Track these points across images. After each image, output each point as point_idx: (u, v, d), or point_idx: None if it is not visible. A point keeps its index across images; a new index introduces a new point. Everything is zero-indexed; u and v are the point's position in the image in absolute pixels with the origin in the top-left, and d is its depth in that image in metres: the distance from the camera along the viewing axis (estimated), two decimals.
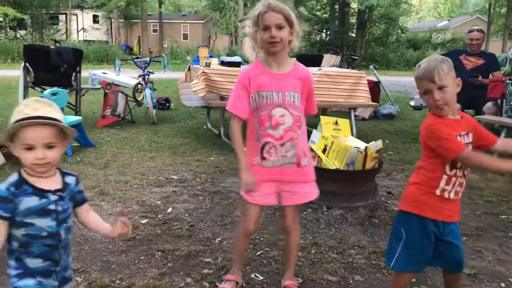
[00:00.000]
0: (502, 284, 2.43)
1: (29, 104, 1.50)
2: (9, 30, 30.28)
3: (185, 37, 34.70)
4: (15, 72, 12.23)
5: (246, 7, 24.00)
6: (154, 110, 7.05)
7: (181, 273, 2.46)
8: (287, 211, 2.20)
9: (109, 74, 8.47)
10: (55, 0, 32.32)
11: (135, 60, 7.93)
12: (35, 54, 6.42)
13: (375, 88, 7.94)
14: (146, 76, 7.46)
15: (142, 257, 2.62)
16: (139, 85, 7.80)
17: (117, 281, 2.36)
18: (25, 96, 6.41)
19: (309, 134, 3.74)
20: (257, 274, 2.46)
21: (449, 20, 43.74)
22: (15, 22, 28.32)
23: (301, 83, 2.06)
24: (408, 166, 4.68)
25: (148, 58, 7.98)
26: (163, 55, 9.02)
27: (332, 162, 3.48)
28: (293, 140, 2.06)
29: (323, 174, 3.52)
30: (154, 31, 33.35)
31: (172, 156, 4.91)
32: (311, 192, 2.18)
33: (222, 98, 5.48)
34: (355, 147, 3.46)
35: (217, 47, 27.88)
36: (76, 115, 6.19)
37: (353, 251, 2.78)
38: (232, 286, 2.28)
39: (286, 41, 1.98)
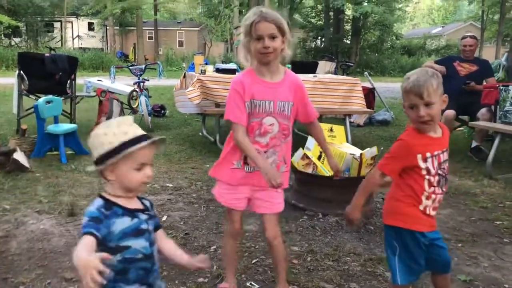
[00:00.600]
0: None
1: (125, 123, 1.50)
2: (3, 38, 30.24)
3: (181, 44, 34.76)
4: (10, 80, 12.20)
5: (241, 14, 24.08)
6: (149, 118, 7.04)
7: (176, 281, 2.45)
8: (266, 224, 2.19)
9: (104, 81, 8.47)
10: (50, 8, 32.31)
11: (130, 67, 7.92)
12: (29, 61, 6.41)
13: (370, 94, 7.98)
14: (141, 84, 7.46)
15: None
16: (134, 93, 7.79)
17: None
18: (20, 104, 6.39)
19: (305, 141, 3.75)
20: (252, 283, 2.45)
21: (443, 26, 44.04)
22: (10, 29, 28.28)
23: (292, 92, 2.06)
24: None
25: (143, 66, 7.98)
26: (158, 62, 9.02)
27: (327, 169, 3.48)
28: (276, 147, 2.07)
29: (318, 181, 3.53)
30: (150, 38, 33.37)
31: (167, 163, 4.90)
32: (281, 203, 2.19)
33: (218, 105, 5.48)
34: (350, 154, 3.47)
35: (212, 54, 27.91)
36: (71, 122, 6.17)
37: (349, 258, 2.78)
38: None
39: (279, 50, 1.98)
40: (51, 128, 5.03)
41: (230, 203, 2.19)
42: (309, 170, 3.55)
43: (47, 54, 6.59)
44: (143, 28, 30.16)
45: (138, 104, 7.34)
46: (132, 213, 1.50)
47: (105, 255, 1.28)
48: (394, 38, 34.20)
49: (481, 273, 2.63)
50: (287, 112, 2.05)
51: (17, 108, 6.42)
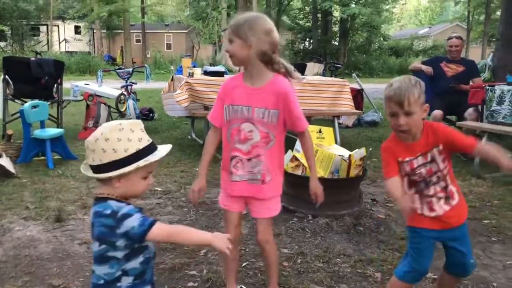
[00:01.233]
0: None
1: (138, 127, 1.46)
2: None
3: (169, 47, 34.63)
4: None
5: (229, 16, 24.06)
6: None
7: (166, 286, 2.43)
8: (257, 227, 2.18)
9: (91, 85, 8.40)
10: (35, 12, 31.97)
11: (117, 70, 7.87)
12: (15, 66, 6.34)
13: (358, 96, 8.01)
14: (129, 87, 7.41)
15: None
16: (122, 96, 7.74)
17: None
18: (5, 109, 6.31)
19: (294, 143, 3.75)
20: (242, 286, 2.43)
21: (430, 27, 44.48)
22: None
23: (275, 99, 1.97)
24: None
25: (131, 69, 7.93)
26: (145, 65, 8.99)
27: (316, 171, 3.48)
28: (260, 156, 2.03)
29: (308, 183, 3.52)
30: (137, 41, 33.19)
31: (156, 167, 4.86)
32: (274, 208, 2.14)
33: (206, 107, 5.46)
34: (339, 155, 3.47)
35: (200, 56, 27.84)
36: (57, 127, 6.10)
37: (339, 259, 2.78)
38: None
39: (242, 54, 1.93)
40: (37, 133, 4.97)
41: (225, 204, 2.18)
42: (299, 172, 3.55)
43: (32, 58, 6.53)
44: (131, 31, 29.98)
45: (126, 108, 7.29)
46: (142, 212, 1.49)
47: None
48: (382, 39, 34.44)
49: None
50: (268, 120, 1.99)
51: (2, 113, 6.33)
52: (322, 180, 3.41)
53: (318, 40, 31.05)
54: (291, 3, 35.02)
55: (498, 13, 19.82)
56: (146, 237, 1.38)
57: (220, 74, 5.76)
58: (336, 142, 4.32)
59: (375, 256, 2.80)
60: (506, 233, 3.21)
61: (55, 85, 6.56)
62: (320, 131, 3.84)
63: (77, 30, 35.36)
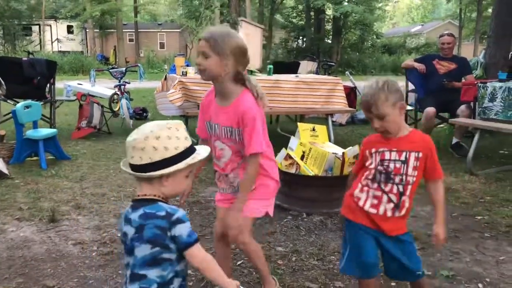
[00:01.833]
0: (480, 285, 2.46)
1: (182, 127, 1.48)
2: None
3: (162, 46, 34.52)
4: None
5: (222, 15, 24.05)
6: (131, 121, 6.97)
7: None
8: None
9: (84, 85, 8.37)
10: (27, 11, 31.73)
11: (110, 70, 7.85)
12: (6, 66, 6.29)
13: (351, 93, 8.02)
14: (122, 86, 7.39)
15: (121, 271, 2.57)
16: (115, 96, 7.72)
17: None
18: None
19: (287, 141, 3.76)
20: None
21: (422, 25, 44.63)
22: None
23: (236, 117, 1.93)
24: None
25: (124, 68, 7.91)
26: (139, 64, 8.96)
27: (310, 169, 3.50)
28: (235, 170, 2.04)
29: (302, 181, 3.54)
30: (130, 40, 33.06)
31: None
32: (249, 208, 2.02)
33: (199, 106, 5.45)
34: (333, 153, 3.48)
35: (194, 55, 27.78)
36: (50, 127, 6.07)
37: (333, 257, 2.78)
38: None
39: (216, 71, 1.88)
40: (30, 133, 4.94)
41: (217, 199, 2.19)
42: (292, 170, 3.56)
43: (24, 58, 6.50)
44: (124, 30, 29.85)
45: (119, 107, 7.27)
46: None
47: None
48: (375, 37, 34.52)
49: (463, 268, 2.66)
50: (235, 137, 1.97)
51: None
52: (316, 178, 3.45)
53: (311, 39, 31.11)
54: (284, 1, 35.00)
55: (490, 10, 19.96)
56: (187, 250, 1.40)
57: None
58: (329, 140, 4.33)
59: None
60: (499, 229, 3.24)
61: (48, 85, 6.52)
62: (313, 129, 3.85)
63: (69, 29, 35.15)
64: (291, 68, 7.95)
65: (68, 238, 3.05)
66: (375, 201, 1.90)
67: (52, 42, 33.55)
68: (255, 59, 26.21)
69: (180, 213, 1.41)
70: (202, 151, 1.52)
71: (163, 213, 1.39)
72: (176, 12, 36.94)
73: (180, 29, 33.71)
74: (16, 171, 4.56)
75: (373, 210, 1.90)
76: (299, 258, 2.77)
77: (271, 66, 6.31)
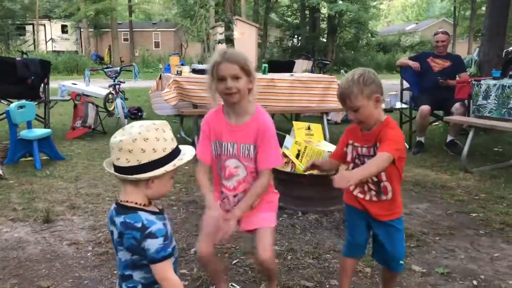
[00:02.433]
0: (474, 282, 2.47)
1: (168, 128, 1.46)
2: None
3: (157, 45, 34.44)
4: None
5: (217, 14, 24.01)
6: (126, 120, 6.95)
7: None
8: (257, 242, 2.01)
9: (79, 84, 8.34)
10: (21, 11, 31.58)
11: (105, 70, 7.82)
12: (0, 66, 6.25)
13: None
14: (117, 86, 7.36)
15: (116, 271, 2.56)
16: (110, 95, 7.69)
17: None
18: None
19: (283, 140, 3.76)
20: (233, 284, 2.44)
21: (416, 23, 44.75)
22: None
23: (255, 134, 1.95)
24: None
25: (119, 68, 7.89)
26: (133, 64, 8.93)
27: None
28: (246, 191, 2.02)
29: (297, 180, 3.54)
30: (125, 40, 32.95)
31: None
32: (267, 218, 2.05)
33: (195, 106, 5.45)
34: (328, 151, 3.47)
35: (189, 54, 27.74)
36: (45, 127, 6.04)
37: (329, 255, 2.79)
38: None
39: (244, 90, 1.91)
40: (24, 133, 4.91)
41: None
42: (288, 169, 3.56)
43: (18, 58, 6.46)
44: (118, 29, 29.76)
45: (114, 107, 7.25)
46: (163, 215, 1.50)
47: None
48: (370, 35, 34.58)
49: (458, 265, 2.67)
50: (253, 155, 1.98)
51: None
52: (312, 176, 3.45)
53: (307, 37, 31.12)
54: (279, 0, 35.00)
55: (484, 8, 20.01)
56: (153, 265, 1.39)
57: None
58: (325, 139, 4.33)
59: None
60: (493, 226, 3.25)
61: (42, 85, 6.49)
62: (309, 128, 3.85)
63: (63, 29, 35.02)
64: (286, 66, 7.95)
65: (63, 238, 3.03)
66: (361, 189, 2.00)
67: (46, 42, 33.41)
68: (250, 58, 26.17)
69: (155, 226, 1.39)
70: (188, 152, 1.50)
71: (139, 225, 1.38)
72: (171, 11, 36.88)
73: (175, 28, 33.65)
74: (10, 172, 4.54)
75: (361, 195, 2.00)
76: (295, 256, 2.77)
77: (266, 65, 6.31)
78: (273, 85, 5.64)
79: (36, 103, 5.95)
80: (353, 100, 1.83)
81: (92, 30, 32.60)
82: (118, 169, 1.41)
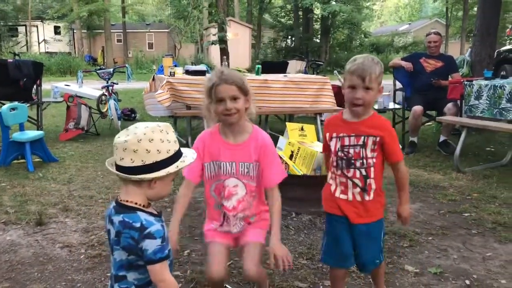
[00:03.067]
0: (467, 281, 2.49)
1: (171, 130, 1.47)
2: None
3: (150, 46, 34.35)
4: None
5: (211, 15, 23.99)
6: (119, 122, 6.93)
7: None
8: (245, 256, 2.00)
9: (72, 86, 8.31)
10: (13, 12, 31.40)
11: (98, 71, 7.79)
12: None
13: (339, 93, 8.05)
14: (110, 87, 7.34)
15: (109, 274, 2.55)
16: (103, 97, 7.66)
17: None
18: None
19: (276, 141, 3.76)
20: (227, 285, 2.44)
21: (409, 24, 44.96)
22: None
23: (257, 152, 1.97)
24: None
25: (112, 69, 7.86)
26: (126, 65, 8.91)
27: (299, 168, 3.50)
28: (245, 210, 2.03)
29: (291, 181, 3.53)
30: (119, 41, 32.85)
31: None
32: (257, 234, 2.06)
33: (188, 107, 5.44)
34: (321, 152, 3.48)
35: (182, 55, 27.71)
36: (37, 129, 6.01)
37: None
38: None
39: (243, 110, 1.93)
40: (17, 135, 4.89)
41: (214, 234, 2.08)
42: None
43: (10, 60, 6.41)
44: (112, 31, 29.65)
45: (107, 108, 7.22)
46: (161, 218, 1.49)
47: None
48: (363, 36, 34.71)
49: (451, 265, 2.69)
50: (253, 173, 1.99)
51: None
52: (305, 177, 3.45)
53: (300, 38, 31.19)
54: (273, 1, 35.06)
55: (476, 9, 20.16)
56: (150, 266, 1.39)
57: (201, 73, 5.74)
58: (318, 139, 4.34)
59: None
60: (486, 225, 3.27)
61: (34, 87, 6.45)
62: (302, 129, 3.86)
63: (56, 30, 34.85)
64: (280, 67, 7.96)
65: (55, 241, 3.02)
66: (343, 187, 1.97)
67: (39, 43, 33.23)
68: (244, 59, 26.21)
69: (154, 227, 1.39)
70: (189, 154, 1.52)
71: (138, 225, 1.39)
72: (164, 12, 36.82)
73: (168, 29, 33.60)
74: (2, 174, 4.51)
75: (343, 196, 1.97)
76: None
77: (259, 66, 6.31)
78: (266, 86, 5.65)
79: (28, 104, 5.92)
80: (372, 80, 1.84)
81: (85, 31, 32.48)
82: (121, 168, 1.42)
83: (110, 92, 7.29)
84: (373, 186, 1.93)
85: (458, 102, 5.38)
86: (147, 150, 1.38)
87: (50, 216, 3.43)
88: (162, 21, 36.71)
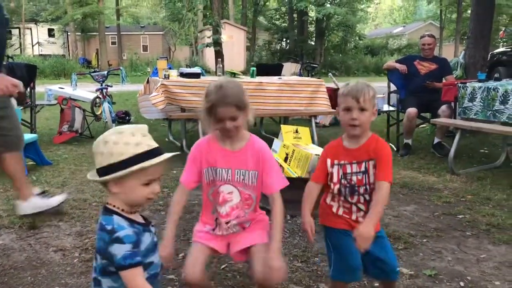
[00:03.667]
0: (461, 283, 2.49)
1: (139, 132, 1.42)
2: None
3: (145, 48, 34.29)
4: None
5: (205, 17, 24.00)
6: (113, 124, 6.90)
7: None
8: (255, 262, 1.97)
9: (66, 89, 8.27)
10: (7, 14, 31.24)
11: (92, 74, 7.76)
12: None
13: (334, 95, 8.06)
14: (104, 90, 7.32)
15: None
16: (97, 99, 7.64)
17: None
18: None
19: (271, 143, 3.75)
20: None
21: (404, 26, 45.12)
22: None
23: (254, 160, 1.98)
24: None
25: (106, 72, 7.83)
26: (121, 67, 8.88)
27: (294, 171, 3.50)
28: (240, 218, 2.03)
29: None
30: (113, 43, 32.77)
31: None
32: (262, 236, 2.07)
33: (183, 109, 5.43)
34: (316, 155, 3.48)
35: (177, 57, 27.70)
36: (31, 132, 5.97)
37: (317, 259, 2.79)
38: None
39: (241, 124, 1.92)
40: None
41: (206, 238, 2.07)
42: None
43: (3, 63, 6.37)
44: (106, 33, 29.61)
45: (101, 111, 7.20)
46: (147, 227, 1.47)
47: None
48: (357, 38, 34.81)
49: (446, 267, 2.69)
50: (248, 181, 2.00)
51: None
52: (299, 179, 3.45)
53: (295, 40, 31.22)
54: (267, 3, 35.12)
55: (470, 11, 20.27)
56: (121, 272, 1.36)
57: (196, 75, 5.73)
58: (313, 142, 4.34)
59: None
60: (480, 227, 3.28)
61: (28, 89, 6.42)
62: (296, 131, 3.86)
63: (50, 33, 34.71)
64: (275, 70, 7.95)
65: (49, 245, 2.99)
66: (346, 210, 1.98)
67: (32, 46, 33.09)
68: (238, 61, 26.22)
69: (123, 232, 1.36)
70: (159, 157, 1.44)
71: (109, 227, 1.37)
72: (159, 15, 36.79)
73: (163, 32, 33.56)
74: None
75: (346, 216, 1.98)
76: (283, 260, 2.76)
77: (254, 68, 6.31)
78: (261, 88, 5.64)
79: (22, 107, 5.89)
80: (366, 100, 1.86)
81: (79, 33, 32.38)
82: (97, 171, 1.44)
83: (104, 94, 7.27)
84: None
85: (452, 104, 5.41)
86: (101, 152, 1.39)
87: (43, 220, 3.40)
88: (156, 23, 36.70)
